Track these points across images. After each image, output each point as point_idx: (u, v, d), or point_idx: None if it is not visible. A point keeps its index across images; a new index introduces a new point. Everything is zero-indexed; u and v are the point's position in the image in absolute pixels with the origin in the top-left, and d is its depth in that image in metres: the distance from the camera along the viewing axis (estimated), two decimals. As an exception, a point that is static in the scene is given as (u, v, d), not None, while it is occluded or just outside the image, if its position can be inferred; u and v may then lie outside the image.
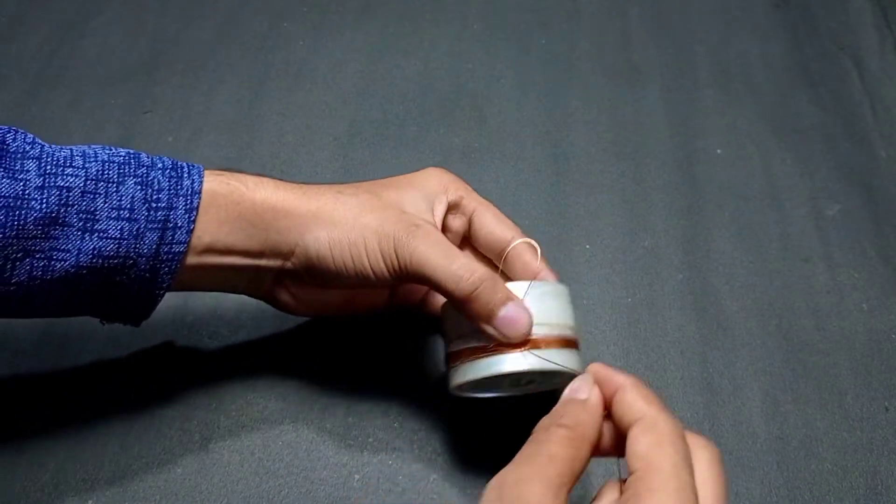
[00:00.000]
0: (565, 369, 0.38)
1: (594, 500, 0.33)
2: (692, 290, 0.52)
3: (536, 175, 0.59)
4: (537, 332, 0.38)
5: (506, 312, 0.37)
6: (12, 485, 0.43)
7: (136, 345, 0.49)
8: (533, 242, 0.44)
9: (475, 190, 0.46)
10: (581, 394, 0.34)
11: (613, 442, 0.34)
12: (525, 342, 0.38)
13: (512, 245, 0.44)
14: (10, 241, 0.35)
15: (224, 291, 0.44)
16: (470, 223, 0.45)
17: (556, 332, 0.39)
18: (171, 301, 0.50)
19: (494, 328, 0.38)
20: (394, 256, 0.39)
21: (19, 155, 0.37)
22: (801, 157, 0.60)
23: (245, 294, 0.44)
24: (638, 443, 0.31)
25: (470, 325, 0.39)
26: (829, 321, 0.51)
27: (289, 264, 0.41)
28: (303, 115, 0.63)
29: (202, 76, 0.66)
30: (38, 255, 0.36)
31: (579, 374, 0.38)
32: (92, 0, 0.72)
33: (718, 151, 0.61)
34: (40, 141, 0.38)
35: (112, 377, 0.48)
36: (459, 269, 0.38)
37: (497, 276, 0.38)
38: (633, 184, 0.58)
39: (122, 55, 0.68)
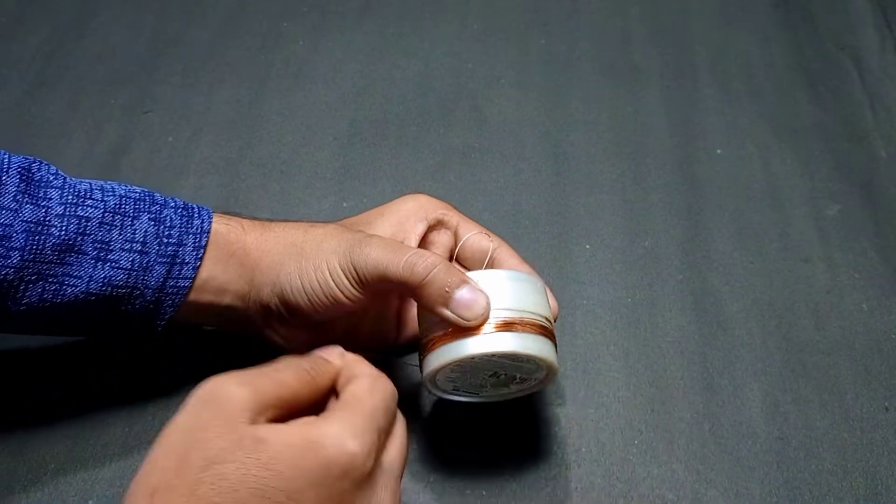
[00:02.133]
0: (529, 353, 0.38)
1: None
2: (692, 290, 0.52)
3: (536, 175, 0.59)
4: (503, 315, 0.38)
5: (461, 294, 0.38)
6: (13, 485, 0.43)
7: (136, 346, 0.49)
8: (511, 249, 0.46)
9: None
10: (328, 355, 0.37)
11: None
12: (483, 325, 0.38)
13: (472, 237, 0.45)
14: (27, 263, 0.37)
15: (220, 328, 0.46)
16: (455, 237, 0.46)
17: (520, 316, 0.38)
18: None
19: (452, 311, 0.38)
20: (352, 269, 0.39)
21: (43, 184, 0.39)
22: (801, 157, 0.60)
23: (242, 333, 0.45)
24: (356, 385, 0.35)
25: (433, 317, 0.39)
26: (828, 321, 0.51)
27: (272, 307, 0.41)
28: (303, 114, 0.63)
29: (202, 76, 0.66)
30: (51, 279, 0.38)
31: (547, 361, 0.38)
32: (92, 0, 0.72)
33: (718, 151, 0.61)
34: (62, 173, 0.40)
35: (113, 377, 0.48)
36: (411, 258, 0.38)
37: (451, 263, 0.39)
38: (633, 184, 0.58)
39: (122, 55, 0.68)
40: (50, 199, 0.38)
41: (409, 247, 0.39)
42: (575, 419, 0.46)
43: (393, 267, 0.38)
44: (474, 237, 0.46)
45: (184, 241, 0.41)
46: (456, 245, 0.46)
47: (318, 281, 0.40)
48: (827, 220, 0.56)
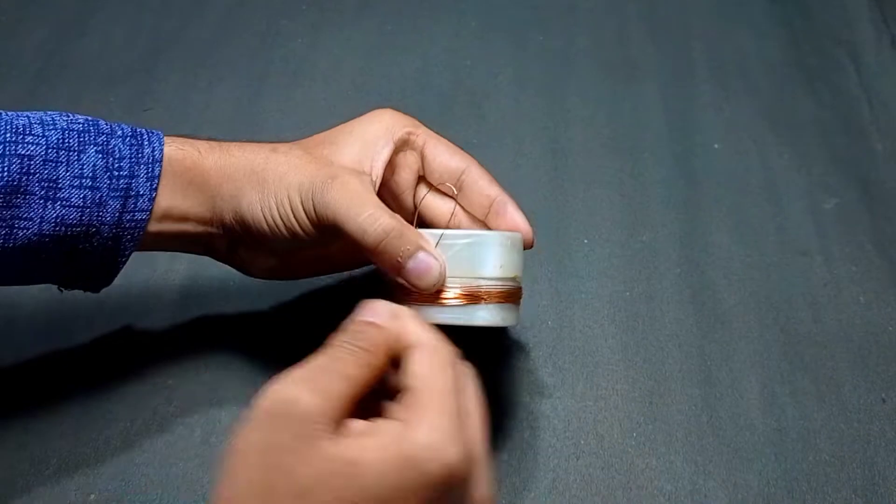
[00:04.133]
0: (487, 324, 0.38)
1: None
2: (690, 283, 0.53)
3: (534, 170, 0.59)
4: (461, 283, 0.37)
5: (414, 264, 0.37)
6: (15, 480, 0.44)
7: (138, 342, 0.49)
8: (481, 169, 0.43)
9: None
10: (380, 318, 0.34)
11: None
12: (440, 291, 0.37)
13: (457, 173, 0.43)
14: None
15: (186, 252, 0.45)
16: (422, 158, 0.44)
17: (477, 283, 0.38)
18: (169, 298, 0.50)
19: (404, 279, 0.37)
20: (312, 211, 0.38)
21: None
22: (799, 151, 0.61)
23: (211, 257, 0.44)
24: (418, 363, 0.32)
25: None
26: (826, 314, 0.51)
27: (235, 232, 0.41)
28: (302, 112, 0.63)
29: (202, 74, 0.66)
30: None
31: (504, 326, 0.39)
32: (91, -1, 0.73)
33: (716, 146, 0.61)
34: None
35: (114, 373, 0.48)
36: (365, 220, 0.37)
37: (405, 226, 0.37)
38: (630, 179, 0.59)
39: (122, 53, 0.68)
40: None
41: (371, 202, 0.37)
42: (573, 412, 0.46)
43: (349, 223, 0.37)
44: (475, 172, 0.43)
45: (136, 173, 0.39)
46: (423, 165, 0.44)
47: (279, 214, 0.39)
48: (824, 213, 0.57)
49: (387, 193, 0.43)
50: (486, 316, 0.38)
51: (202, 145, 0.41)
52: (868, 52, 0.68)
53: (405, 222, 0.38)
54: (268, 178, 0.39)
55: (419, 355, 0.33)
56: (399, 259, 0.37)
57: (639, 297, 0.52)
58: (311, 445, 0.29)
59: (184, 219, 0.41)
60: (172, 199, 0.40)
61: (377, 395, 0.33)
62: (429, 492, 0.29)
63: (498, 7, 0.72)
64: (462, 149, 0.60)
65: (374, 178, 0.41)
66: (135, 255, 0.41)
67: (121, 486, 0.43)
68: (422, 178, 0.44)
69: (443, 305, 0.38)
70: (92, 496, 0.43)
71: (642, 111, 0.63)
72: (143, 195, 0.39)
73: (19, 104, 0.63)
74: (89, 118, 0.40)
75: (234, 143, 0.42)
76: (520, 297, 0.40)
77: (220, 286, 0.51)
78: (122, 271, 0.42)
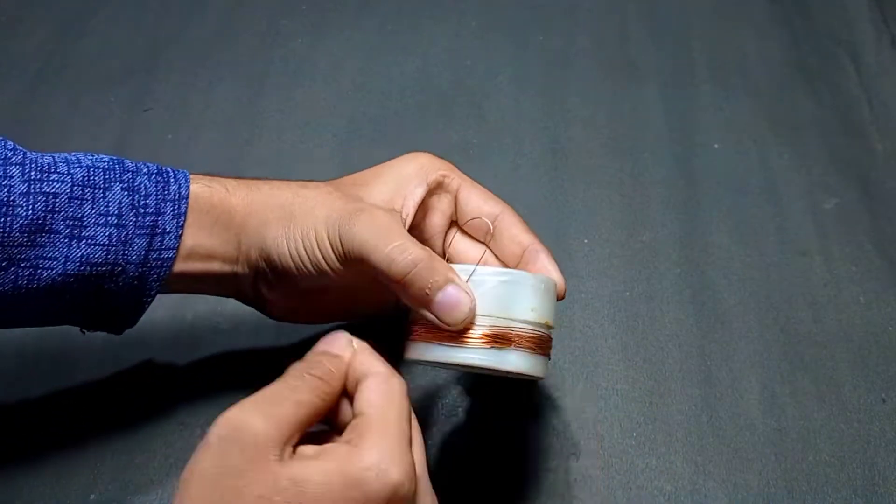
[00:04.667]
0: (515, 371, 0.36)
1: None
2: (690, 283, 0.53)
3: (534, 170, 0.59)
4: (490, 323, 0.36)
5: (443, 297, 0.35)
6: (16, 480, 0.44)
7: (137, 340, 0.49)
8: (515, 216, 0.42)
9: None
10: (336, 349, 0.34)
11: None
12: (468, 329, 0.35)
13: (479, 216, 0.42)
14: None
15: (214, 295, 0.44)
16: (456, 202, 0.42)
17: (509, 325, 0.36)
18: (169, 300, 0.50)
19: (432, 313, 0.36)
20: (339, 243, 0.37)
21: (1, 161, 0.36)
22: (799, 151, 0.61)
23: (236, 298, 0.44)
24: (368, 390, 0.32)
25: None
26: (826, 314, 0.51)
27: (260, 269, 0.40)
28: (302, 112, 0.63)
29: (202, 74, 0.66)
30: (23, 264, 0.35)
31: (532, 377, 0.37)
32: (91, -1, 0.73)
33: (716, 146, 0.61)
34: (22, 148, 0.37)
35: (113, 374, 0.48)
36: (393, 251, 0.35)
37: (435, 258, 0.36)
38: (630, 179, 0.59)
39: (121, 53, 0.68)
40: (11, 176, 0.35)
41: (398, 233, 0.36)
42: (574, 412, 0.47)
43: (375, 255, 0.36)
44: (508, 220, 0.41)
45: (162, 210, 0.38)
46: (456, 210, 0.43)
47: (304, 249, 0.38)
48: (824, 213, 0.57)
49: (417, 236, 0.40)
50: (515, 361, 0.36)
51: (230, 183, 0.41)
52: (868, 52, 0.68)
53: (435, 254, 0.37)
54: (295, 213, 0.39)
55: (371, 383, 0.33)
56: (427, 292, 0.35)
57: (639, 297, 0.52)
58: (260, 467, 0.29)
59: (210, 257, 0.40)
60: (198, 237, 0.39)
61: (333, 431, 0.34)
62: None
63: (498, 7, 0.72)
64: (462, 149, 0.60)
65: (404, 216, 0.40)
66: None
67: (121, 487, 0.43)
68: (454, 223, 0.43)
69: (469, 345, 0.36)
70: (92, 496, 0.43)
71: (642, 111, 0.63)
72: (169, 232, 0.38)
73: (19, 104, 0.64)
74: (114, 157, 0.39)
75: (263, 180, 0.41)
76: (550, 349, 0.38)
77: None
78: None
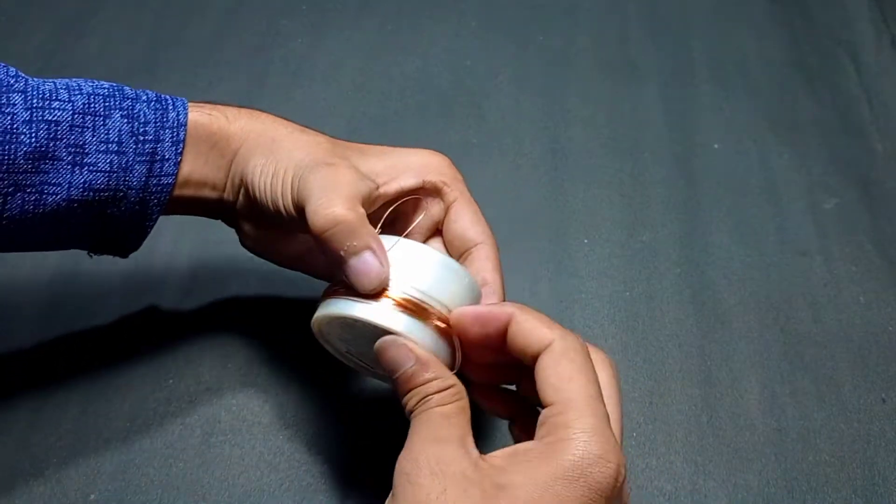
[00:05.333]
0: (405, 336, 0.34)
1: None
2: (690, 283, 0.53)
3: (534, 171, 0.59)
4: (408, 294, 0.35)
5: (356, 261, 0.35)
6: (16, 479, 0.44)
7: (136, 342, 0.49)
8: (493, 251, 0.40)
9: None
10: (407, 365, 0.34)
11: (511, 373, 0.36)
12: (380, 295, 0.35)
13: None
14: (1, 175, 0.36)
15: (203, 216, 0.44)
16: (446, 214, 0.41)
17: (425, 301, 0.35)
18: (170, 295, 0.50)
19: (345, 275, 0.35)
20: (297, 187, 0.37)
21: (4, 88, 0.37)
22: (799, 151, 0.61)
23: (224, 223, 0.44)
24: (551, 373, 0.32)
25: None
26: (826, 314, 0.51)
27: (241, 195, 0.40)
28: (302, 112, 0.63)
29: (202, 74, 0.66)
30: (29, 190, 0.36)
31: (418, 348, 0.35)
32: (91, -1, 0.73)
33: (716, 146, 0.61)
34: (24, 74, 0.38)
35: (114, 373, 0.48)
36: (318, 206, 0.35)
37: (361, 225, 0.36)
38: (630, 179, 0.59)
39: (122, 54, 0.68)
40: (14, 104, 0.36)
41: (345, 192, 0.36)
42: (574, 412, 0.46)
43: (307, 204, 0.36)
44: (463, 223, 0.41)
45: (161, 137, 0.39)
46: (444, 221, 0.42)
47: (270, 184, 0.38)
48: (824, 213, 0.57)
49: (398, 229, 0.42)
50: (417, 334, 0.35)
51: (231, 111, 0.41)
52: (868, 52, 0.68)
53: (365, 221, 0.36)
54: (280, 149, 0.39)
55: (546, 360, 0.32)
56: (343, 253, 0.35)
57: (639, 297, 0.52)
58: (464, 481, 0.30)
59: (202, 184, 0.41)
60: (194, 164, 0.40)
61: None
62: (601, 501, 0.30)
63: (498, 7, 0.72)
64: (462, 149, 0.60)
65: (379, 192, 0.39)
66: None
67: (121, 486, 0.43)
68: (438, 233, 0.43)
69: (375, 304, 0.35)
70: (92, 496, 0.43)
71: (642, 111, 0.63)
72: (168, 159, 0.39)
73: (19, 104, 0.63)
74: (114, 84, 0.40)
75: (270, 114, 0.42)
76: (447, 333, 0.36)
77: (222, 286, 0.51)
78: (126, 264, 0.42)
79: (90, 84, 0.39)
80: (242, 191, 0.40)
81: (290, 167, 0.38)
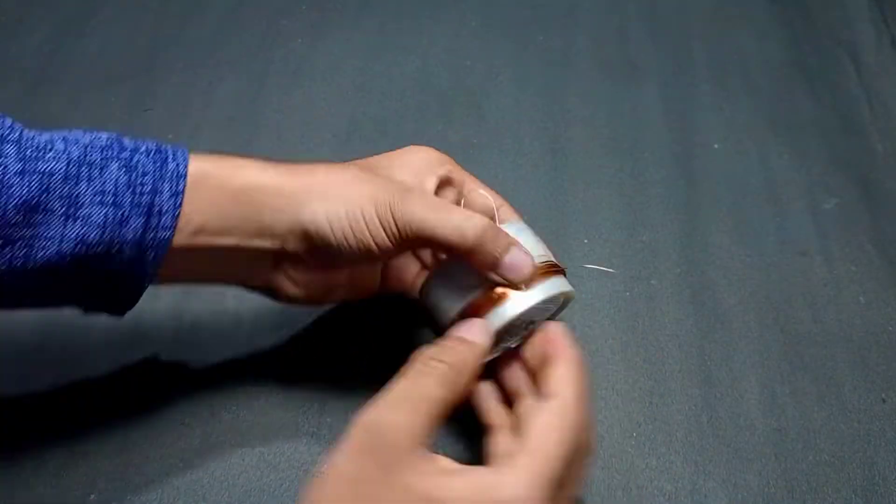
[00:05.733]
0: (567, 291, 0.41)
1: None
2: (690, 283, 0.53)
3: (534, 170, 0.59)
4: (540, 261, 0.40)
5: (511, 258, 0.38)
6: (16, 479, 0.44)
7: (136, 342, 0.49)
8: (512, 210, 0.46)
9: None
10: (471, 335, 0.38)
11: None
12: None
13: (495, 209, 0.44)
14: None
15: (221, 281, 0.43)
16: (464, 194, 0.45)
17: (547, 261, 0.41)
18: (169, 299, 0.50)
19: (500, 274, 0.38)
20: (392, 222, 0.38)
21: None
22: (799, 151, 0.61)
23: (243, 285, 0.43)
24: (539, 414, 0.35)
25: (466, 282, 0.39)
26: (826, 314, 0.51)
27: (288, 245, 0.40)
28: (302, 112, 0.63)
29: (202, 74, 0.66)
30: (18, 244, 0.35)
31: (573, 294, 0.42)
32: (91, -1, 0.73)
33: (716, 146, 0.61)
34: (19, 125, 0.37)
35: (113, 373, 0.48)
36: (462, 222, 0.38)
37: (495, 224, 0.39)
38: (630, 179, 0.59)
39: (122, 53, 0.68)
40: (6, 154, 0.35)
41: (453, 206, 0.39)
42: (574, 412, 0.46)
43: (441, 228, 0.38)
44: (476, 194, 0.45)
45: (159, 189, 0.37)
46: (460, 203, 0.45)
47: (351, 228, 0.38)
48: (824, 213, 0.57)
49: None
50: (564, 285, 0.41)
51: (233, 162, 0.40)
52: (868, 52, 0.68)
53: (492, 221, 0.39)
54: (331, 193, 0.39)
55: (547, 406, 0.35)
56: (496, 256, 0.38)
57: (639, 297, 0.52)
58: (396, 475, 0.31)
59: (223, 232, 0.39)
60: (209, 212, 0.38)
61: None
62: None
63: (498, 7, 0.72)
64: (462, 149, 0.60)
65: None
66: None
67: (121, 486, 0.43)
68: None
69: (528, 288, 0.39)
70: (92, 496, 0.43)
71: (642, 111, 0.63)
72: (166, 212, 0.37)
73: (19, 104, 0.63)
74: (113, 134, 0.39)
75: (271, 161, 0.41)
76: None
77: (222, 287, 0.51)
78: None
79: (88, 135, 0.38)
80: (297, 242, 0.39)
81: (364, 204, 0.38)
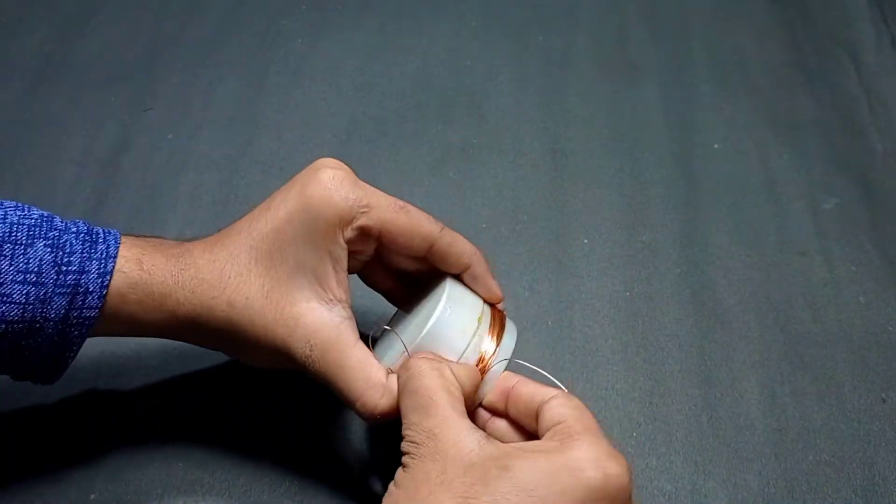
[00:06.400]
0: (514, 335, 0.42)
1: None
2: (690, 283, 0.53)
3: (534, 170, 0.59)
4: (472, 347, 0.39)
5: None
6: (15, 479, 0.43)
7: (136, 342, 0.49)
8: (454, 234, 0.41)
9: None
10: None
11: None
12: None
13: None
14: None
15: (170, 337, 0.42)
16: (380, 237, 0.39)
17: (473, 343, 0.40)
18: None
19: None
20: (316, 369, 0.38)
21: None
22: (799, 151, 0.61)
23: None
24: (560, 405, 0.36)
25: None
26: (826, 314, 0.51)
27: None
28: (302, 112, 0.63)
29: (202, 74, 0.66)
30: None
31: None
32: (91, -1, 0.73)
33: (716, 146, 0.61)
34: None
35: (114, 373, 0.48)
36: (368, 400, 0.38)
37: (392, 389, 0.38)
38: (630, 179, 0.59)
39: (122, 53, 0.68)
40: None
41: (370, 374, 0.38)
42: (574, 412, 0.46)
43: (350, 394, 0.38)
44: (447, 237, 0.41)
45: (86, 269, 0.37)
46: (382, 244, 0.40)
47: (266, 361, 0.40)
48: (824, 213, 0.57)
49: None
50: (510, 340, 0.41)
51: (157, 259, 0.39)
52: (868, 52, 0.68)
53: (390, 383, 0.38)
54: (244, 336, 0.39)
55: (558, 400, 0.36)
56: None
57: (639, 297, 0.52)
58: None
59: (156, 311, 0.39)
60: (152, 274, 0.38)
61: None
62: (595, 502, 0.32)
63: (498, 7, 0.72)
64: (462, 149, 0.60)
65: (342, 297, 0.39)
66: None
67: (121, 486, 0.43)
68: (374, 261, 0.42)
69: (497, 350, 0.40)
70: (92, 496, 0.43)
71: (642, 111, 0.63)
72: (92, 292, 0.37)
73: (19, 104, 0.63)
74: (45, 213, 0.38)
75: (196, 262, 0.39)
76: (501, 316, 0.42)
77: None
78: None
79: (17, 212, 0.37)
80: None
81: (279, 347, 0.39)
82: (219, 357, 0.48)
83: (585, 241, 0.55)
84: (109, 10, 0.72)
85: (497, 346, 0.39)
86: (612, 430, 0.46)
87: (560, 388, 0.37)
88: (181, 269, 0.39)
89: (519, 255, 0.54)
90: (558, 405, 0.36)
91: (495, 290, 0.41)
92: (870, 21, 0.70)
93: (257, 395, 0.47)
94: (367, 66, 0.67)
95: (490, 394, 0.39)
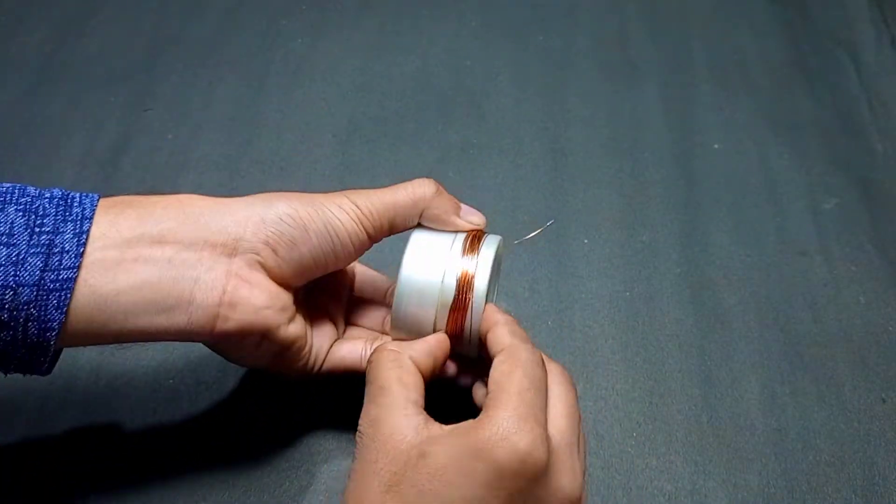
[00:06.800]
0: (499, 242, 0.42)
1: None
2: (690, 283, 0.53)
3: (534, 171, 0.59)
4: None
5: (464, 207, 0.42)
6: (15, 480, 0.44)
7: (137, 343, 0.49)
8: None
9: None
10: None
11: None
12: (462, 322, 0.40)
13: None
14: None
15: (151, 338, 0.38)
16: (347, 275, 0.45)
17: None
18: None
19: (464, 218, 0.42)
20: (356, 209, 0.40)
21: None
22: (798, 151, 0.61)
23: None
24: (495, 369, 0.36)
25: (428, 300, 0.40)
26: (826, 314, 0.51)
27: (251, 256, 0.38)
28: (302, 112, 0.63)
29: (202, 74, 0.66)
30: None
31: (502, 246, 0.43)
32: (91, -1, 0.73)
33: (716, 146, 0.61)
34: None
35: (114, 373, 0.48)
36: (416, 187, 0.41)
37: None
38: (630, 179, 0.59)
39: (122, 53, 0.68)
40: None
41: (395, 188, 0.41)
42: (574, 412, 0.46)
43: (402, 198, 0.40)
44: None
45: (61, 229, 0.35)
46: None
47: (329, 225, 0.39)
48: (824, 213, 0.57)
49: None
50: (488, 250, 0.41)
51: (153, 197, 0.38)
52: (868, 52, 0.68)
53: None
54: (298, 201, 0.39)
55: (497, 360, 0.36)
56: (456, 202, 0.42)
57: (639, 297, 0.52)
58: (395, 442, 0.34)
59: (160, 241, 0.36)
60: (133, 230, 0.36)
61: None
62: (503, 482, 0.32)
63: (498, 7, 0.72)
64: (462, 149, 0.60)
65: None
66: None
67: (121, 486, 0.43)
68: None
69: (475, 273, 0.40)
70: (92, 495, 0.43)
71: (642, 111, 0.63)
72: (68, 251, 0.34)
73: (19, 104, 0.63)
74: (18, 185, 0.36)
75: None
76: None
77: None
78: None
79: None
80: (263, 251, 0.38)
81: (326, 203, 0.40)
82: (220, 360, 0.48)
83: (585, 241, 0.55)
84: (109, 10, 0.72)
85: (476, 260, 0.40)
86: (613, 429, 0.46)
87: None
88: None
89: (519, 255, 0.54)
90: (494, 369, 0.36)
91: (460, 223, 0.41)
92: (870, 21, 0.70)
93: (257, 395, 0.47)
94: (367, 66, 0.67)
95: (483, 322, 0.39)
